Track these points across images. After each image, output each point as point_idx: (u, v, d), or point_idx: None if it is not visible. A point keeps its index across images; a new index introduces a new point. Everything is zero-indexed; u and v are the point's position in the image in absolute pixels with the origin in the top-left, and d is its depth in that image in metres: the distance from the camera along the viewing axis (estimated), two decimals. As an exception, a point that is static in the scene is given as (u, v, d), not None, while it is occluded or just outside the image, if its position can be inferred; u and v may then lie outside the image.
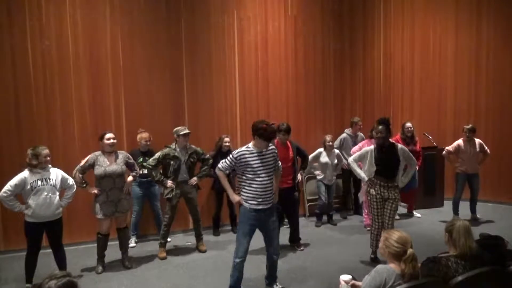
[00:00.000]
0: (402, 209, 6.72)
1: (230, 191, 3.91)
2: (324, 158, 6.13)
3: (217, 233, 5.98)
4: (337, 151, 6.33)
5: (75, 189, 4.34)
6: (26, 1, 5.24)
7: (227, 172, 3.90)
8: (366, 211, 6.15)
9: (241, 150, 3.73)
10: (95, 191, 4.46)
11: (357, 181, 6.59)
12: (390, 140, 4.68)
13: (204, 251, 5.22)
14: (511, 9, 7.06)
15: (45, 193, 4.02)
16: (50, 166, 4.14)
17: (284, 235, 5.09)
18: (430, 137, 7.24)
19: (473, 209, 6.33)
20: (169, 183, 4.94)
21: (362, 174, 4.65)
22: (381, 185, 4.49)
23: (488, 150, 6.24)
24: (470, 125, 6.21)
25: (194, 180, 5.11)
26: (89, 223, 5.25)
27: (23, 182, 3.96)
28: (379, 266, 2.54)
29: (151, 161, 4.92)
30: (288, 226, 5.51)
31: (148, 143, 5.48)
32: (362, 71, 7.91)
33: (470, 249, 2.60)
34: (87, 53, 5.59)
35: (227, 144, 5.76)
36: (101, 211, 4.48)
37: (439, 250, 2.85)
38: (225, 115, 6.49)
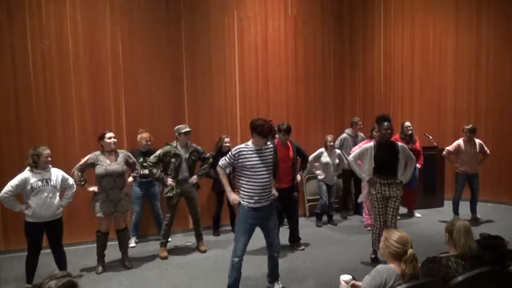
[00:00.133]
0: (402, 209, 6.72)
1: (228, 188, 3.88)
2: (325, 158, 6.13)
3: (217, 233, 5.98)
4: (338, 151, 6.33)
5: (75, 189, 4.35)
6: (26, 1, 5.25)
7: (227, 170, 3.90)
8: (366, 211, 6.15)
9: (239, 147, 3.73)
10: (94, 188, 4.47)
11: (358, 181, 6.58)
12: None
13: (204, 251, 5.22)
14: (511, 9, 7.06)
15: (46, 194, 4.02)
16: (50, 166, 4.14)
17: (283, 235, 5.08)
18: (430, 137, 7.24)
19: (473, 209, 6.33)
20: (169, 181, 4.94)
21: (362, 174, 4.64)
22: (381, 183, 4.47)
23: (488, 151, 6.24)
24: (471, 125, 6.21)
25: (194, 178, 5.11)
26: (89, 223, 5.25)
27: (24, 183, 3.96)
28: (379, 266, 2.54)
29: (152, 158, 4.92)
30: (288, 226, 5.52)
31: (149, 143, 5.48)
32: (362, 71, 7.92)
33: (470, 249, 2.60)
34: (87, 53, 5.59)
35: (227, 144, 5.76)
36: (100, 209, 4.48)
37: (439, 250, 2.85)
38: (225, 115, 6.49)
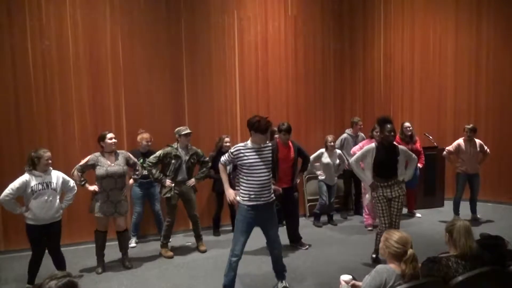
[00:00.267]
0: (403, 209, 6.70)
1: (226, 184, 3.86)
2: (326, 159, 6.13)
3: (217, 233, 5.99)
4: (339, 151, 6.32)
5: (75, 191, 4.33)
6: (26, 1, 5.25)
7: (228, 168, 3.89)
8: (366, 211, 6.15)
9: (238, 146, 3.73)
10: (95, 188, 4.46)
11: (358, 181, 6.58)
12: None
13: (204, 251, 5.22)
14: (511, 9, 7.06)
15: (46, 197, 4.00)
16: (51, 169, 4.13)
17: (282, 234, 5.07)
18: (431, 137, 7.24)
19: (473, 209, 6.33)
20: (168, 182, 4.94)
21: (365, 178, 4.61)
22: (382, 186, 4.47)
23: (488, 150, 6.24)
24: (471, 125, 6.21)
25: (192, 181, 5.12)
26: (89, 223, 5.24)
27: (24, 185, 3.94)
28: (379, 266, 2.54)
29: (151, 158, 4.93)
30: (285, 225, 5.51)
31: (149, 143, 5.48)
32: (362, 71, 7.92)
33: (470, 249, 2.60)
34: (87, 53, 5.59)
35: (228, 144, 5.76)
36: (100, 209, 4.47)
37: (439, 250, 2.85)
38: (225, 115, 6.49)
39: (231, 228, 6.14)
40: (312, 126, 7.23)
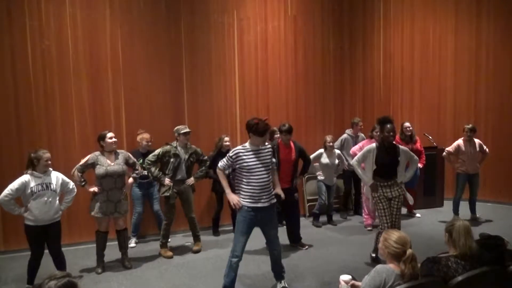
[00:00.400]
0: (402, 209, 6.69)
1: (227, 190, 3.88)
2: (325, 159, 6.12)
3: (217, 234, 5.98)
4: (338, 151, 6.32)
5: (75, 193, 4.31)
6: (26, 1, 5.25)
7: (227, 172, 3.90)
8: (366, 211, 6.15)
9: (237, 148, 3.75)
10: (95, 189, 4.46)
11: (358, 181, 6.58)
12: None
13: (196, 252, 5.19)
14: (511, 9, 7.06)
15: (45, 198, 3.99)
16: (51, 170, 4.12)
17: (281, 235, 5.08)
18: (430, 137, 7.24)
19: (473, 209, 6.33)
20: (167, 180, 4.94)
21: (365, 178, 4.62)
22: (382, 186, 4.48)
23: (487, 150, 6.24)
24: (471, 125, 6.21)
25: (191, 180, 5.12)
26: (89, 223, 5.25)
27: (24, 186, 3.94)
28: (379, 266, 2.54)
29: (150, 157, 4.92)
30: (285, 226, 5.51)
31: (149, 143, 5.48)
32: (362, 71, 7.92)
33: (470, 249, 2.60)
34: (87, 53, 5.59)
35: (227, 143, 5.76)
36: (100, 210, 4.47)
37: (439, 250, 2.85)
38: (225, 115, 6.50)
39: (231, 228, 6.14)
40: (312, 126, 7.23)
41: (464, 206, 6.32)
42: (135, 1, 5.85)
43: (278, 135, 5.48)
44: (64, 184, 4.19)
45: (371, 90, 7.94)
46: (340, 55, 7.57)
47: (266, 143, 3.82)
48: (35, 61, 5.34)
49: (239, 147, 3.76)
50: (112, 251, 4.87)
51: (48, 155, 4.03)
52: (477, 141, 6.18)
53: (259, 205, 3.71)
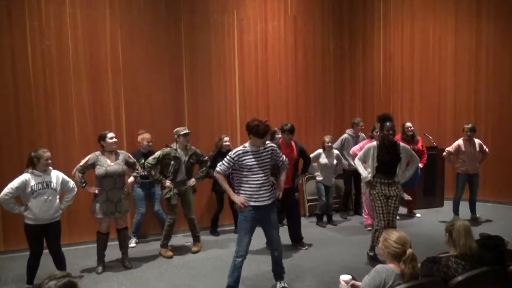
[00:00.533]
0: (402, 209, 6.72)
1: (230, 192, 3.89)
2: (323, 160, 6.12)
3: (216, 233, 5.98)
4: (336, 152, 6.31)
5: (75, 192, 4.31)
6: (26, 1, 5.25)
7: (227, 173, 3.91)
8: (366, 211, 6.15)
9: (237, 149, 3.77)
10: (96, 190, 4.46)
11: (358, 181, 6.58)
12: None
13: (195, 252, 5.19)
14: (510, 9, 7.06)
15: (45, 197, 3.99)
16: (51, 168, 4.12)
17: (283, 234, 5.08)
18: (430, 137, 7.24)
19: (472, 209, 6.33)
20: (168, 183, 4.94)
21: (364, 173, 4.61)
22: (382, 183, 4.48)
23: (487, 150, 6.24)
24: (471, 125, 6.20)
25: (192, 181, 5.12)
26: (89, 223, 5.25)
27: (24, 185, 3.94)
28: (379, 266, 2.54)
29: (150, 159, 4.92)
30: (286, 225, 5.51)
31: (150, 144, 5.48)
32: (362, 71, 7.92)
33: (470, 249, 2.60)
34: (87, 53, 5.59)
35: (227, 143, 5.76)
36: (101, 210, 4.47)
37: (439, 250, 2.85)
38: (225, 115, 6.50)
39: (230, 228, 6.15)
40: (312, 126, 7.23)
41: (464, 206, 6.32)
42: (135, 1, 5.85)
43: (279, 135, 5.48)
44: (64, 183, 4.19)
45: (371, 90, 7.94)
46: (340, 55, 7.57)
47: (268, 143, 3.83)
48: (35, 61, 5.34)
49: (240, 147, 3.79)
50: (112, 251, 4.86)
51: (48, 154, 4.03)
52: (477, 141, 6.18)
53: (259, 203, 3.73)
